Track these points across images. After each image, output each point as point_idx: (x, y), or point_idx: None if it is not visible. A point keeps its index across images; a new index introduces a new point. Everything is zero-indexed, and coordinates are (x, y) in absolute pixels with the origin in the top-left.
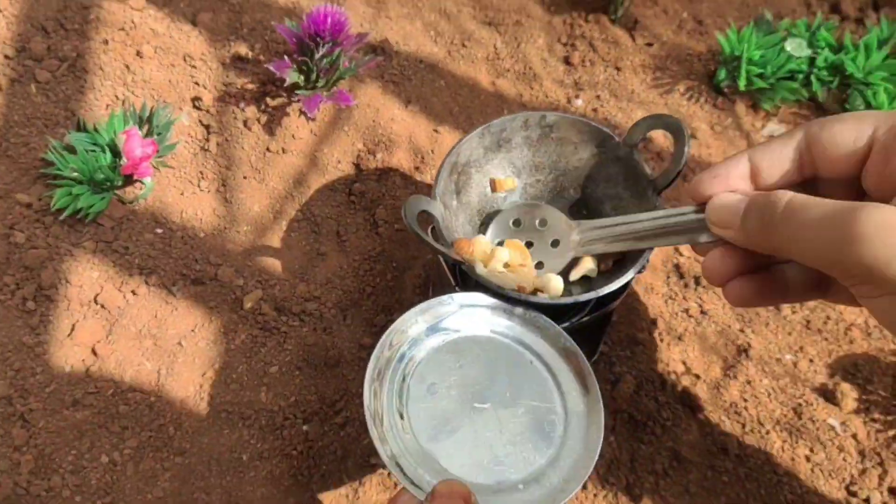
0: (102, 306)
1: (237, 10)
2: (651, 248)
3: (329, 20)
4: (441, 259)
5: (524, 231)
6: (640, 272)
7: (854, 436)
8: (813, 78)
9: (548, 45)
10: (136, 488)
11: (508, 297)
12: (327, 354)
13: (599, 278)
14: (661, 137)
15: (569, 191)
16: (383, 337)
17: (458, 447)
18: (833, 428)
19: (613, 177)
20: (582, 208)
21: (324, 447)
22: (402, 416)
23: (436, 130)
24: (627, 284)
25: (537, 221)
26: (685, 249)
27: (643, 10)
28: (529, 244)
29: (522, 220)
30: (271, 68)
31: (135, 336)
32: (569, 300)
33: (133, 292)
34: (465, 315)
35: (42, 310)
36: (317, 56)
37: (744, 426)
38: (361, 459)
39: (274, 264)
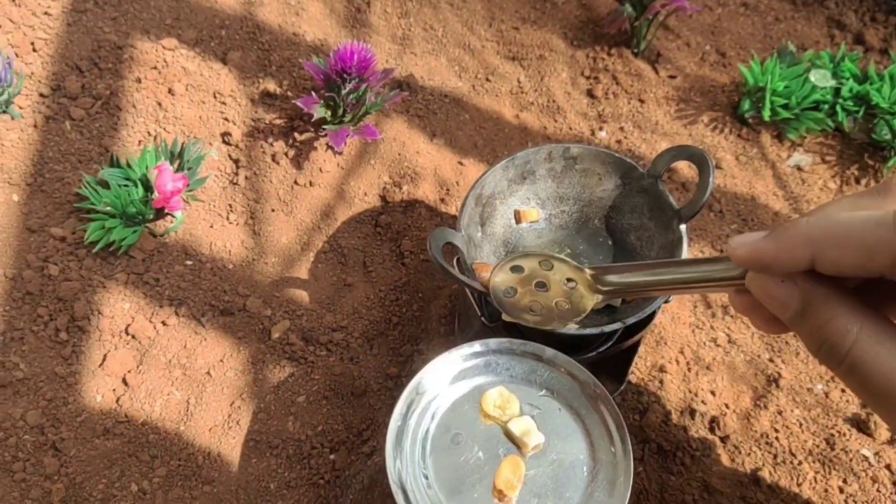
0: (133, 337)
1: (266, 48)
2: None
3: (356, 57)
4: (468, 290)
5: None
6: (667, 301)
7: (888, 466)
8: (838, 108)
9: (571, 78)
10: None
11: (536, 333)
12: (354, 384)
13: (626, 307)
14: (685, 168)
15: (593, 221)
16: (405, 394)
17: (481, 500)
18: (867, 458)
19: (638, 207)
20: (607, 239)
21: (350, 476)
22: (426, 477)
23: (460, 163)
24: (654, 314)
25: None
26: None
27: (666, 44)
28: (541, 284)
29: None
30: (299, 104)
31: (164, 366)
32: (595, 331)
33: (163, 323)
34: (491, 361)
35: (74, 340)
36: (343, 92)
37: (775, 457)
38: (388, 489)
39: (301, 295)
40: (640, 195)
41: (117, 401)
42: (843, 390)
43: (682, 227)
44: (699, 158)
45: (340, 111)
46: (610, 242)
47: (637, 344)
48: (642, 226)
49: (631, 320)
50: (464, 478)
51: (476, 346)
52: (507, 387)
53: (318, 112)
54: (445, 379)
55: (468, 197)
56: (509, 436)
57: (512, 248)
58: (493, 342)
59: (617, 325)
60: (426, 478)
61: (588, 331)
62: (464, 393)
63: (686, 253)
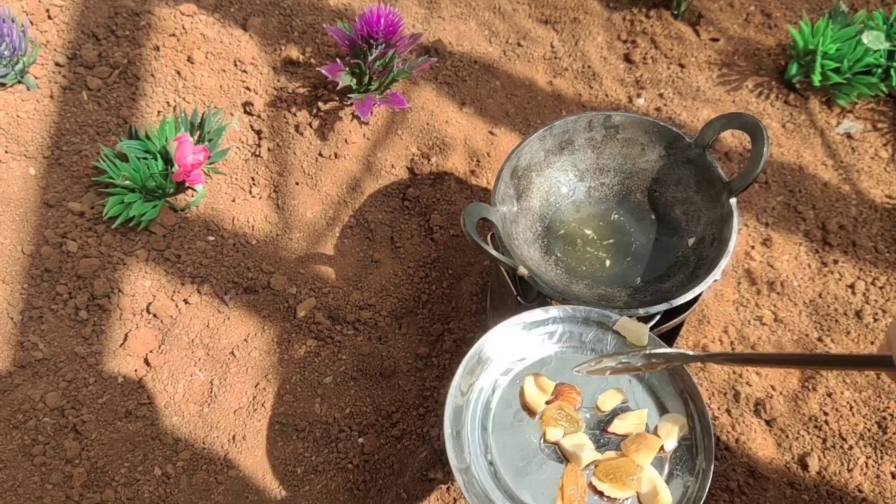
0: (155, 315)
1: (288, 13)
2: (727, 256)
3: (382, 21)
4: (502, 268)
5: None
6: (715, 280)
7: None
8: (892, 72)
9: (607, 42)
10: (189, 501)
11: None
12: (383, 364)
13: (671, 286)
14: (728, 136)
15: (636, 194)
16: (463, 367)
17: (548, 484)
18: None
19: (684, 179)
20: (650, 212)
21: (380, 461)
22: (490, 463)
23: (491, 133)
24: (700, 295)
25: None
26: (757, 253)
27: (707, 4)
28: None
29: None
30: (323, 72)
31: (187, 346)
32: (640, 312)
33: (185, 301)
34: (554, 330)
35: (94, 319)
36: (370, 58)
37: (824, 441)
38: (419, 473)
39: (327, 272)
40: (686, 166)
41: (139, 382)
42: None
43: (733, 200)
44: (752, 127)
45: (366, 79)
46: (653, 217)
47: (681, 324)
48: (688, 199)
49: (678, 301)
50: (529, 458)
51: (538, 314)
52: (571, 355)
53: (344, 80)
54: (506, 349)
55: (503, 170)
56: (562, 450)
57: (549, 224)
58: (555, 309)
59: (663, 306)
60: (490, 463)
61: (634, 311)
62: (527, 365)
63: (736, 229)
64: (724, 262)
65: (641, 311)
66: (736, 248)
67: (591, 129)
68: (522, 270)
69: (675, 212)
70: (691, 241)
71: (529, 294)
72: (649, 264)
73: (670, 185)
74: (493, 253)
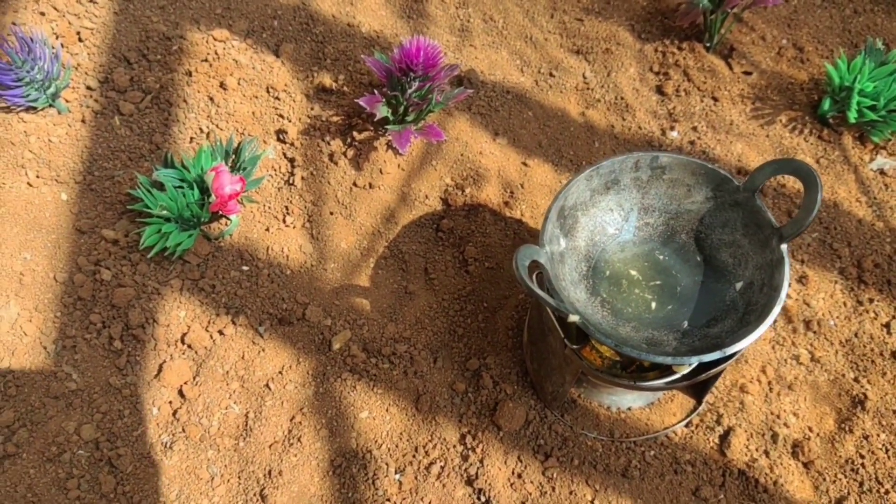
0: (189, 346)
1: (320, 39)
2: (780, 303)
3: (422, 54)
4: (549, 311)
5: None
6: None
7: None
8: None
9: (639, 74)
10: None
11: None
12: (419, 400)
13: (723, 332)
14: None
15: (681, 235)
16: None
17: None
18: None
19: (731, 222)
20: (695, 254)
21: (418, 498)
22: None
23: (525, 164)
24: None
25: None
26: (793, 291)
27: (739, 37)
28: None
29: None
30: (361, 103)
31: (222, 377)
32: (693, 360)
33: (220, 332)
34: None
35: (129, 350)
36: (409, 91)
37: (861, 484)
38: None
39: (362, 303)
40: (734, 209)
41: (174, 414)
42: None
43: (784, 246)
44: (806, 175)
45: (403, 110)
46: (699, 258)
47: (724, 368)
48: (735, 242)
49: (731, 349)
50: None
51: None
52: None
53: (381, 111)
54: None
55: (551, 210)
56: None
57: (594, 264)
58: None
59: (716, 354)
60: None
61: (684, 360)
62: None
63: (787, 276)
64: (777, 310)
65: (694, 360)
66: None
67: (638, 170)
68: (574, 318)
69: (722, 255)
70: (739, 285)
71: (575, 335)
72: (696, 308)
73: (717, 227)
74: (547, 298)
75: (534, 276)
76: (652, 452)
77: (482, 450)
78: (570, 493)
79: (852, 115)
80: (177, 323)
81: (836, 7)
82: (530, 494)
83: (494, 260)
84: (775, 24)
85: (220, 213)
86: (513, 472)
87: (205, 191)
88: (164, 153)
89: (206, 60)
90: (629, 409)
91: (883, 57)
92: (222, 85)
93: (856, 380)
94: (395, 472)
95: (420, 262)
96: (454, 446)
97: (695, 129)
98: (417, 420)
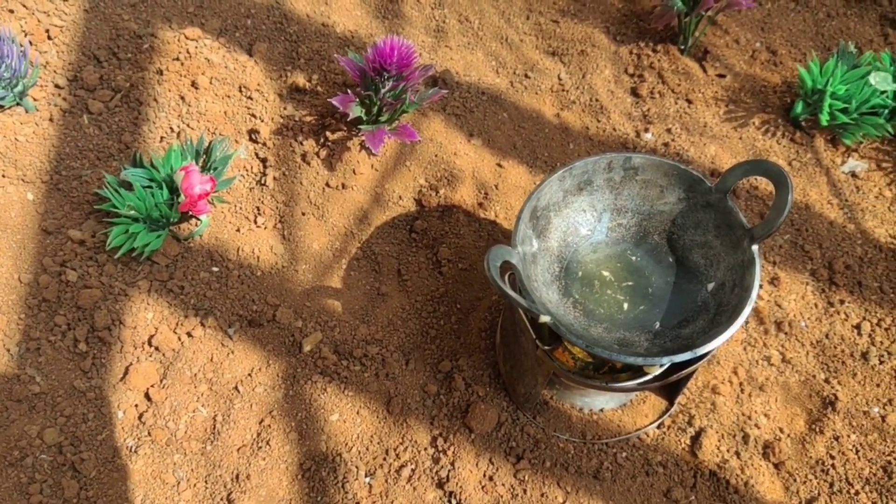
0: (157, 349)
1: (294, 39)
2: (750, 304)
3: (396, 53)
4: (521, 313)
5: None
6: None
7: None
8: None
9: (614, 75)
10: None
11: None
12: (390, 402)
13: (693, 334)
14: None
15: (653, 236)
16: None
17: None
18: None
19: (703, 223)
20: (668, 255)
21: (388, 501)
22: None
23: (499, 165)
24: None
25: None
26: (764, 292)
27: (713, 40)
28: None
29: None
30: (334, 103)
31: (190, 380)
32: (664, 360)
33: (188, 334)
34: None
35: (94, 352)
36: (382, 91)
37: (831, 485)
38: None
39: (334, 305)
40: (706, 210)
41: (140, 417)
42: None
43: (755, 247)
44: (777, 176)
45: (376, 110)
46: (671, 259)
47: (694, 370)
48: (707, 243)
49: (704, 349)
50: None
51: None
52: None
53: (354, 111)
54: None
55: (523, 210)
56: None
57: (567, 265)
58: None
59: (688, 355)
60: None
61: (655, 360)
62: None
63: (758, 277)
64: (748, 310)
65: (665, 360)
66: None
67: (611, 171)
68: (545, 318)
69: (694, 256)
70: (710, 286)
71: (547, 336)
72: (668, 308)
73: (689, 228)
74: (518, 299)
75: (506, 277)
76: (624, 454)
77: (453, 452)
78: (542, 495)
79: (824, 118)
80: (144, 325)
81: (808, 11)
82: (501, 497)
83: (468, 261)
84: (749, 27)
85: (190, 213)
86: (484, 475)
87: (174, 191)
88: (133, 152)
89: (177, 59)
90: (601, 410)
91: (855, 60)
92: (194, 84)
93: (826, 381)
94: (366, 476)
95: (393, 264)
96: (425, 449)
97: (669, 130)
98: (388, 422)
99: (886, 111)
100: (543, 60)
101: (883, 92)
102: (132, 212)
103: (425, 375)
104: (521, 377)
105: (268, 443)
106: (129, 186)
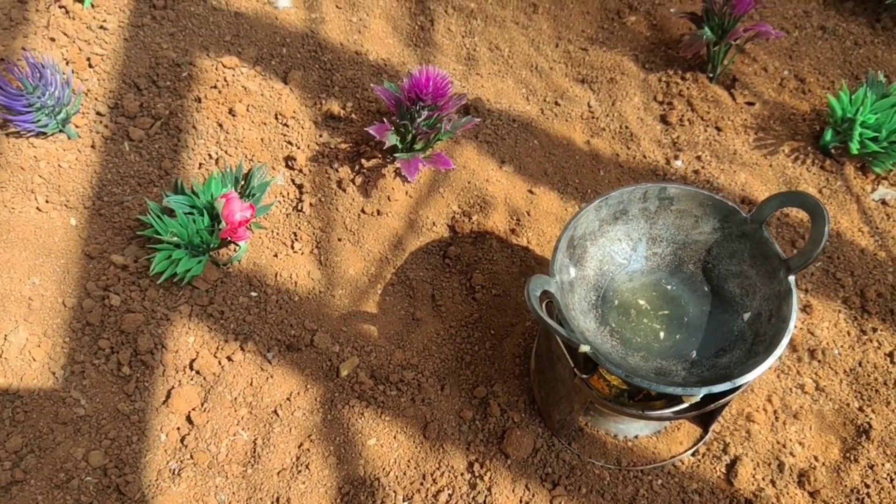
0: (198, 372)
1: (328, 67)
2: (788, 334)
3: (431, 84)
4: (559, 341)
5: None
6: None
7: None
8: None
9: (644, 103)
10: None
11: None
12: (426, 427)
13: (731, 363)
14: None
15: (688, 265)
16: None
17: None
18: None
19: (738, 253)
20: (703, 284)
21: None
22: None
23: (531, 191)
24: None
25: None
26: (798, 320)
27: (742, 68)
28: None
29: None
30: (371, 132)
31: (230, 404)
32: (703, 390)
33: (229, 358)
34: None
35: (137, 375)
36: (418, 120)
37: None
38: None
39: (370, 330)
40: (741, 241)
41: (182, 440)
42: None
43: (791, 278)
44: (813, 208)
45: (411, 138)
46: (707, 288)
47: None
48: (743, 273)
49: (742, 380)
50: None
51: None
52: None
53: (390, 140)
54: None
55: (561, 239)
56: None
57: (603, 293)
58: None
59: (726, 385)
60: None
61: (694, 391)
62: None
63: (795, 308)
64: (786, 341)
65: (704, 391)
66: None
67: (646, 200)
68: (585, 348)
69: (730, 285)
70: (747, 316)
71: (585, 365)
72: (705, 338)
73: (724, 258)
74: (558, 328)
75: (543, 305)
76: (659, 481)
77: (490, 478)
78: None
79: (854, 147)
80: (185, 349)
81: (836, 39)
82: None
83: (501, 287)
84: (777, 55)
85: (230, 239)
86: (521, 501)
87: (215, 217)
88: (173, 179)
89: (215, 87)
90: (636, 437)
91: (884, 89)
92: (231, 111)
93: (860, 409)
94: (403, 500)
95: (427, 289)
96: (462, 474)
97: (699, 158)
98: (425, 447)
99: None
100: (573, 88)
101: None
102: (175, 238)
103: (461, 401)
104: (557, 404)
105: (307, 467)
106: (171, 213)
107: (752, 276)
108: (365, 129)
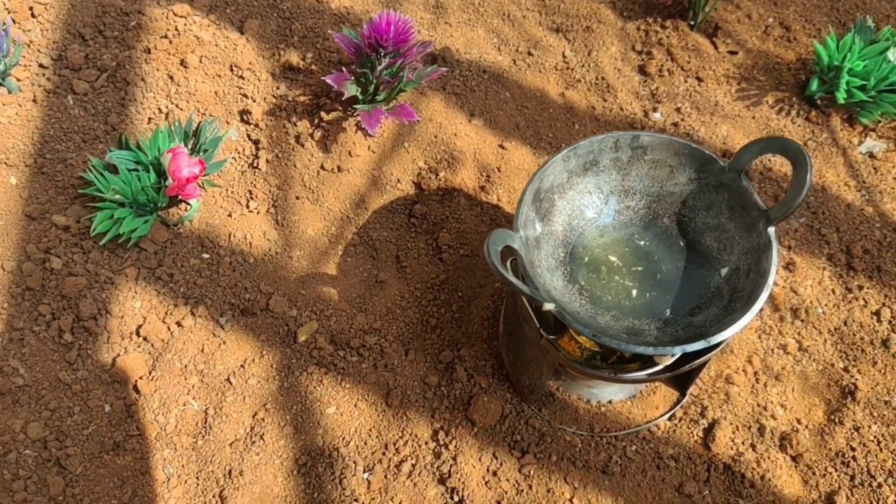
0: (145, 339)
1: (287, 16)
2: (767, 290)
3: (392, 29)
4: (525, 301)
5: None
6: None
7: None
8: None
9: (621, 53)
10: None
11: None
12: (389, 394)
13: (706, 321)
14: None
15: (663, 219)
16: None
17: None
18: None
19: (716, 205)
20: (678, 238)
21: (388, 498)
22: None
23: (502, 146)
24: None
25: None
26: (780, 278)
27: (725, 15)
28: None
29: None
30: (328, 81)
31: (180, 372)
32: (676, 350)
33: (178, 324)
34: None
35: (80, 343)
36: (378, 68)
37: (852, 478)
38: None
39: (330, 293)
40: (719, 191)
41: (128, 411)
42: None
43: (771, 230)
44: (795, 154)
45: (373, 89)
46: (682, 243)
47: (709, 359)
48: (720, 226)
49: (717, 339)
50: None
51: None
52: None
53: (349, 90)
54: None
55: (525, 192)
56: None
57: (572, 250)
58: None
59: (700, 344)
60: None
61: (666, 350)
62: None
63: (775, 261)
64: (764, 296)
65: (677, 350)
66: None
67: (618, 150)
68: (549, 306)
69: (707, 239)
70: (724, 271)
71: (552, 325)
72: (679, 295)
73: (701, 210)
74: (520, 285)
75: (508, 263)
76: (633, 447)
77: (455, 446)
78: (548, 491)
79: (841, 96)
80: (131, 314)
81: None
82: (506, 493)
83: (469, 247)
84: (761, 2)
85: (179, 197)
86: (488, 470)
87: (162, 174)
88: (119, 134)
89: (165, 37)
90: (610, 402)
91: (873, 35)
92: (183, 63)
93: (846, 369)
94: (364, 471)
95: (391, 250)
96: (426, 443)
97: (678, 110)
98: (388, 415)
99: None
100: (547, 37)
101: None
102: (117, 196)
103: (426, 366)
104: (526, 367)
105: (262, 437)
106: (114, 170)
107: (730, 228)
108: (323, 78)
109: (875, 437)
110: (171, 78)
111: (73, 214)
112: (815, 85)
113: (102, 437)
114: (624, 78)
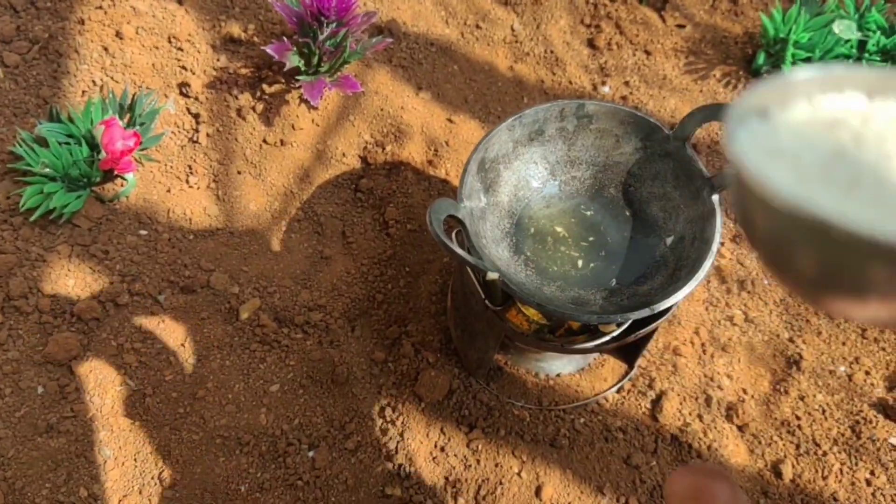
0: (79, 318)
1: None
2: (711, 257)
3: None
4: (469, 271)
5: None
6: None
7: None
8: (864, 63)
9: (570, 26)
10: None
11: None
12: (335, 371)
13: (653, 289)
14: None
15: (609, 189)
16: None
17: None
18: (895, 448)
19: (661, 174)
20: (624, 208)
21: (333, 476)
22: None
23: (450, 120)
24: (682, 299)
25: None
26: (726, 251)
27: None
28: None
29: None
30: (269, 51)
31: (116, 352)
32: (618, 318)
33: (114, 302)
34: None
35: (10, 322)
36: (321, 38)
37: (798, 447)
38: (375, 489)
39: (273, 269)
40: (664, 160)
41: (61, 392)
42: (866, 372)
43: (715, 197)
44: None
45: (316, 60)
46: (628, 213)
47: (654, 330)
48: (666, 195)
49: (660, 306)
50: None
51: None
52: None
53: (291, 60)
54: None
55: (470, 162)
56: None
57: (518, 220)
58: None
59: (644, 312)
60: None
61: (609, 318)
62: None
63: (719, 228)
64: (708, 264)
65: (622, 318)
66: (719, 248)
67: (563, 119)
68: (492, 275)
69: (652, 208)
70: (669, 240)
71: (498, 296)
72: (625, 265)
73: (647, 179)
74: (463, 254)
75: (453, 235)
76: (582, 420)
77: (402, 422)
78: (496, 465)
79: (787, 69)
80: (64, 292)
81: None
82: (454, 468)
83: (417, 222)
84: None
85: (115, 172)
86: (435, 446)
87: (95, 147)
88: (50, 107)
89: (100, 7)
90: (558, 375)
91: (819, 7)
92: (118, 34)
93: (791, 340)
94: (309, 449)
95: (337, 225)
96: (372, 420)
97: (627, 83)
98: (333, 392)
99: (850, 61)
100: (495, 10)
101: (847, 41)
102: (47, 170)
103: (372, 342)
104: (473, 341)
105: (202, 416)
106: (44, 143)
107: (676, 197)
108: (264, 49)
109: (820, 405)
110: (106, 49)
111: (3, 190)
112: (761, 58)
113: (35, 420)
114: (573, 51)
